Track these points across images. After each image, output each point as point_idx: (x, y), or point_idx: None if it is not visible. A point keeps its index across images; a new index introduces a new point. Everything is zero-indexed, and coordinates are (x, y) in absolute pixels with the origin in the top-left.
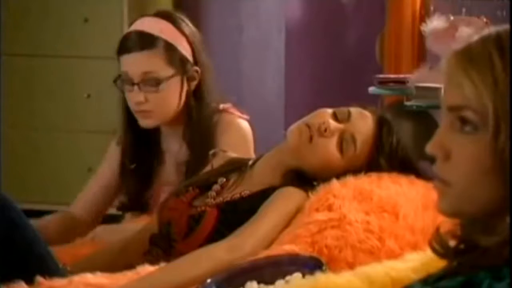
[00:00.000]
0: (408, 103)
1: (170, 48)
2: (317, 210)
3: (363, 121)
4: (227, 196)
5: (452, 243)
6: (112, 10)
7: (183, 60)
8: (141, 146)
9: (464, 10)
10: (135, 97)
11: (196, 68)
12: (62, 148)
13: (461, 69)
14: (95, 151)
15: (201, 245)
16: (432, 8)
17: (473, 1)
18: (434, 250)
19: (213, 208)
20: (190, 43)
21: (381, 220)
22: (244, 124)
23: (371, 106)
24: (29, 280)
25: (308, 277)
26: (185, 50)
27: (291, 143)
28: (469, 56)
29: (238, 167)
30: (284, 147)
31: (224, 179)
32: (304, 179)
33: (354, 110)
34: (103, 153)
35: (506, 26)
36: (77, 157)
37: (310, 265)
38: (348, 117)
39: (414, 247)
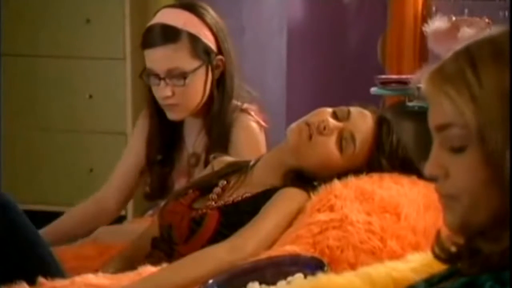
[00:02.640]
0: (410, 104)
1: (194, 40)
2: (318, 210)
3: (362, 120)
4: (228, 198)
5: (453, 248)
6: (114, 11)
7: (207, 50)
8: (166, 135)
9: (466, 10)
10: (162, 91)
11: (221, 57)
12: (64, 148)
13: (438, 89)
14: (96, 151)
15: (202, 247)
16: (434, 8)
17: (475, 1)
18: (436, 255)
19: (214, 210)
20: (213, 33)
21: (382, 221)
22: (256, 130)
23: (371, 106)
24: (31, 281)
25: (309, 277)
26: (209, 40)
27: (290, 142)
28: (444, 76)
29: (238, 169)
30: (284, 146)
31: (225, 182)
32: (305, 179)
33: (354, 109)
34: (104, 154)
35: (480, 35)
36: (79, 158)
37: (312, 265)
38: (347, 116)
39: (416, 247)
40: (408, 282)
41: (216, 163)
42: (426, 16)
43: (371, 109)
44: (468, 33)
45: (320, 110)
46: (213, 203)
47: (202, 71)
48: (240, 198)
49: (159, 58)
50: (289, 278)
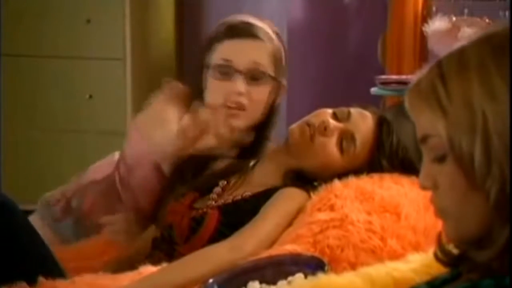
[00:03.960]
0: None
1: (276, 48)
2: (319, 210)
3: (363, 121)
4: (228, 197)
5: (455, 251)
6: (114, 11)
7: (281, 68)
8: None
9: (466, 10)
10: (235, 86)
11: (285, 83)
12: (64, 148)
13: (414, 105)
14: (97, 151)
15: (203, 246)
16: (434, 8)
17: (475, 1)
18: (438, 258)
19: (214, 210)
20: (286, 59)
21: (383, 220)
22: None
23: (372, 107)
24: (31, 281)
25: (310, 277)
26: (283, 58)
27: (291, 142)
28: (418, 92)
29: (238, 169)
30: (284, 146)
31: (225, 182)
32: (305, 179)
33: (354, 110)
34: (105, 154)
35: (453, 48)
36: (79, 158)
37: (312, 265)
38: (348, 117)
39: (416, 247)
40: (408, 283)
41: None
42: (426, 16)
43: (371, 110)
44: (468, 33)
45: (320, 111)
46: (213, 202)
47: (273, 84)
48: (240, 197)
49: (242, 49)
50: (290, 278)
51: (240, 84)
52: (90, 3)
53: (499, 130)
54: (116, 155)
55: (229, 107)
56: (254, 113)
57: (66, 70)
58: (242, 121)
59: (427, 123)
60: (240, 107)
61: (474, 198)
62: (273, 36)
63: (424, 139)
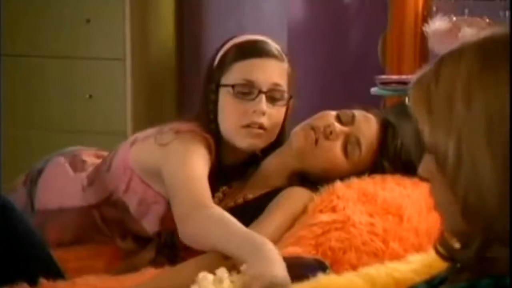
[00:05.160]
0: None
1: (287, 66)
2: (321, 211)
3: (367, 124)
4: (230, 201)
5: (457, 245)
6: (114, 11)
7: (292, 86)
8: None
9: (466, 10)
10: (258, 105)
11: (292, 101)
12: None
13: (413, 98)
14: None
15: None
16: (434, 8)
17: (475, 1)
18: (438, 252)
19: None
20: (293, 75)
21: (385, 222)
22: None
23: (373, 109)
24: (31, 282)
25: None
26: (293, 78)
27: (295, 145)
28: (418, 85)
29: (239, 174)
30: (287, 149)
31: (226, 187)
32: (308, 182)
33: (358, 113)
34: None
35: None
36: None
37: (313, 266)
38: (352, 120)
39: (419, 249)
40: (409, 283)
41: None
42: (427, 16)
43: (374, 112)
44: (469, 33)
45: (324, 114)
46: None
47: (287, 103)
48: (242, 200)
49: (266, 69)
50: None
51: (260, 103)
52: (90, 3)
53: (471, 140)
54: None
55: (252, 127)
56: (272, 134)
57: (66, 70)
58: (262, 142)
59: (419, 118)
60: (262, 127)
61: (451, 197)
62: (283, 53)
63: (422, 132)
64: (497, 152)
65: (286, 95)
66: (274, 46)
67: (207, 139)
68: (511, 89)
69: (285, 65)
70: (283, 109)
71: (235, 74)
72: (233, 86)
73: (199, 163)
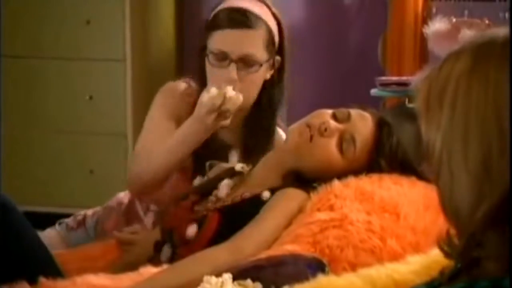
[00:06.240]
0: (410, 105)
1: (269, 31)
2: (318, 210)
3: (363, 122)
4: (227, 199)
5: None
6: (114, 12)
7: (274, 46)
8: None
9: (466, 12)
10: (228, 73)
11: (278, 58)
12: (64, 149)
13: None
14: (97, 153)
15: (204, 248)
16: (434, 10)
17: (475, 3)
18: (441, 249)
19: (214, 212)
20: (281, 30)
21: (382, 220)
22: None
23: (371, 108)
24: (30, 281)
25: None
26: (276, 36)
27: (291, 143)
28: (426, 81)
29: (238, 172)
30: (284, 147)
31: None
32: (304, 180)
33: (353, 111)
34: (105, 155)
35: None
36: (79, 159)
37: (312, 265)
38: (348, 118)
39: (416, 247)
40: (409, 285)
41: (211, 173)
42: (426, 17)
43: (370, 111)
44: (469, 35)
45: (320, 112)
46: (213, 205)
47: (266, 65)
48: (239, 199)
49: (236, 41)
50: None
51: (231, 71)
52: (90, 4)
53: (450, 141)
54: None
55: None
56: (250, 97)
57: (66, 71)
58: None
59: (419, 114)
60: None
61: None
62: (268, 17)
63: (421, 128)
64: (471, 155)
65: (259, 61)
66: (254, 14)
67: (189, 95)
68: (502, 92)
69: (262, 32)
70: (258, 75)
71: (212, 43)
72: (209, 54)
73: (156, 114)
